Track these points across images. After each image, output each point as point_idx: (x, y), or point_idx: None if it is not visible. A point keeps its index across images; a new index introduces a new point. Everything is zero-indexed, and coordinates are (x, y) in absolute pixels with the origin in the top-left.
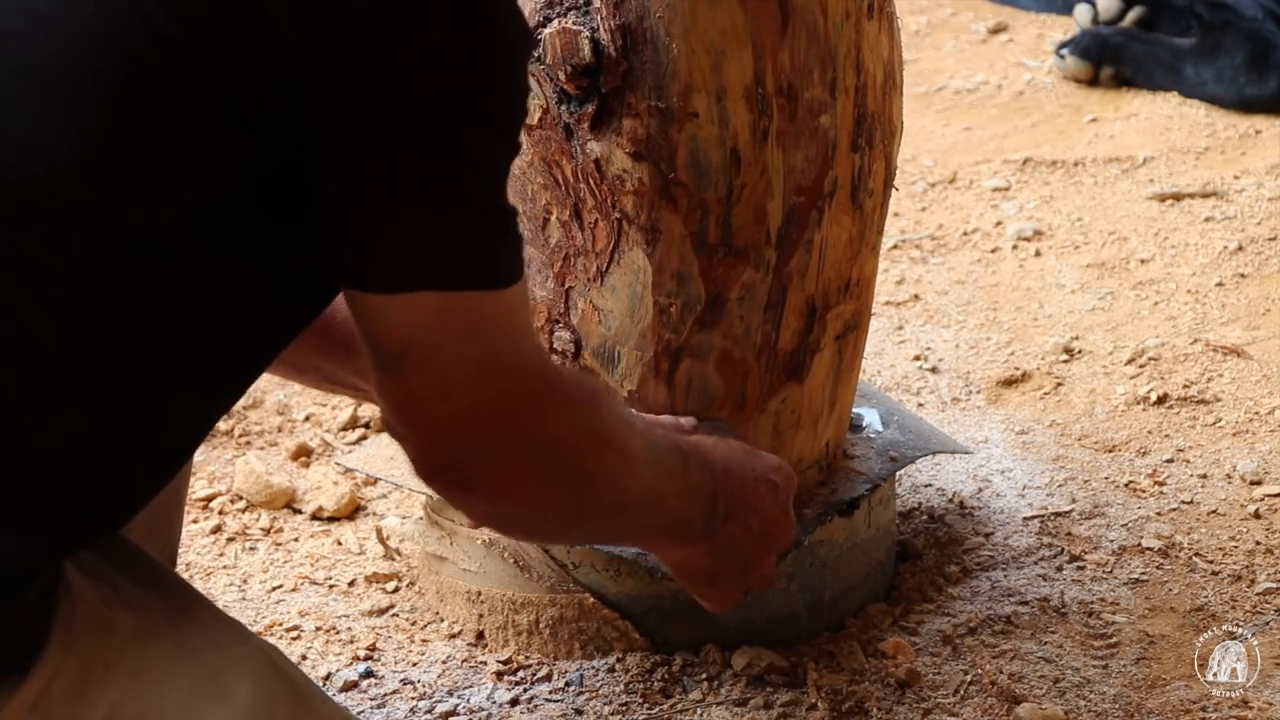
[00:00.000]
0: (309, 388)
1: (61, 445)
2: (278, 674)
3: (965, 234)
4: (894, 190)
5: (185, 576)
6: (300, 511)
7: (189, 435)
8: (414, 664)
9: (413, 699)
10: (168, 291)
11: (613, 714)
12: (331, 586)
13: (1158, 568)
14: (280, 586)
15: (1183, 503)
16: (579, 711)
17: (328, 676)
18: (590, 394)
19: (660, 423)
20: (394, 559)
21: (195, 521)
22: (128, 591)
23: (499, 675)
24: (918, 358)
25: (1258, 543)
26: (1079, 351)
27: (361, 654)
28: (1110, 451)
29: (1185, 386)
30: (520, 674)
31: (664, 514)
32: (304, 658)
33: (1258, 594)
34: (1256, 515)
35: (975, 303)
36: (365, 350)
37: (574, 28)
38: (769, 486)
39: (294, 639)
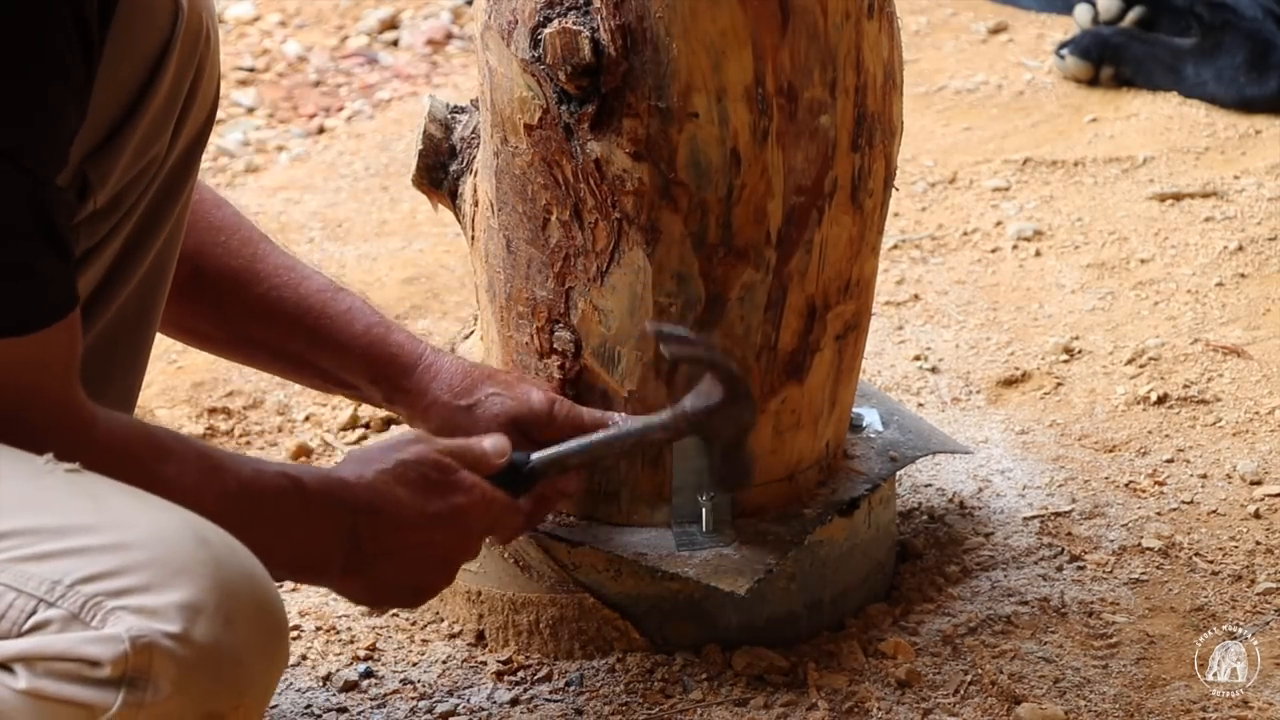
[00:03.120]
0: (308, 388)
1: None
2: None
3: (965, 234)
4: (894, 190)
5: None
6: None
7: None
8: (414, 664)
9: (413, 699)
10: None
11: (613, 714)
12: None
13: (1158, 568)
14: (280, 586)
15: (1183, 503)
16: (579, 711)
17: (328, 676)
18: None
19: (294, 471)
20: None
21: None
22: None
23: (499, 675)
24: (918, 358)
25: (1258, 543)
26: (1079, 351)
27: (361, 654)
28: (1110, 451)
29: (1185, 386)
30: (520, 674)
31: (279, 553)
32: (304, 658)
33: (1258, 594)
34: (1256, 515)
35: (975, 303)
36: None
37: (574, 28)
38: (437, 522)
39: (294, 639)
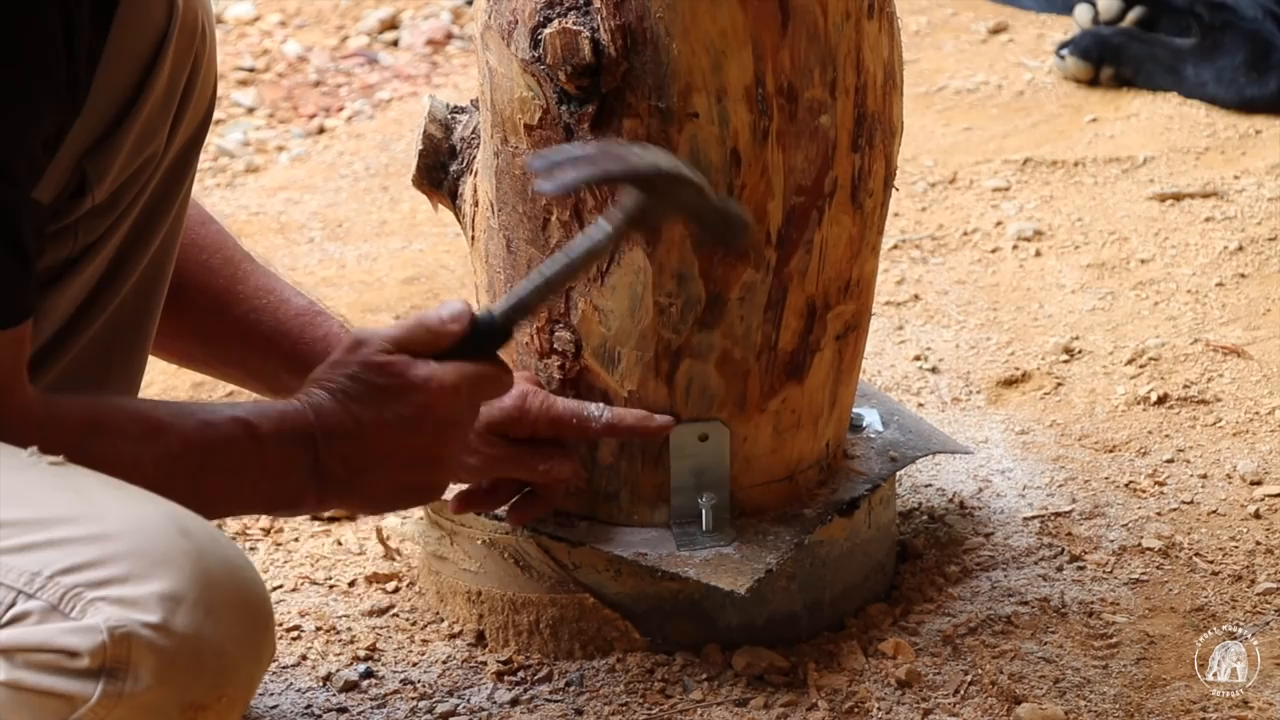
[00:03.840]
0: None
1: None
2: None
3: (965, 234)
4: (894, 190)
5: None
6: None
7: None
8: (414, 664)
9: (413, 699)
10: None
11: (613, 714)
12: (331, 586)
13: (1158, 568)
14: (280, 586)
15: (1183, 503)
16: (579, 711)
17: (328, 676)
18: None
19: (246, 414)
20: (394, 559)
21: None
22: None
23: (499, 675)
24: (918, 358)
25: (1258, 543)
26: (1079, 351)
27: (361, 654)
28: (1110, 451)
29: (1185, 386)
30: (520, 674)
31: (244, 498)
32: (304, 658)
33: (1258, 594)
34: (1256, 515)
35: (975, 303)
36: None
37: (574, 28)
38: (401, 428)
39: (294, 639)
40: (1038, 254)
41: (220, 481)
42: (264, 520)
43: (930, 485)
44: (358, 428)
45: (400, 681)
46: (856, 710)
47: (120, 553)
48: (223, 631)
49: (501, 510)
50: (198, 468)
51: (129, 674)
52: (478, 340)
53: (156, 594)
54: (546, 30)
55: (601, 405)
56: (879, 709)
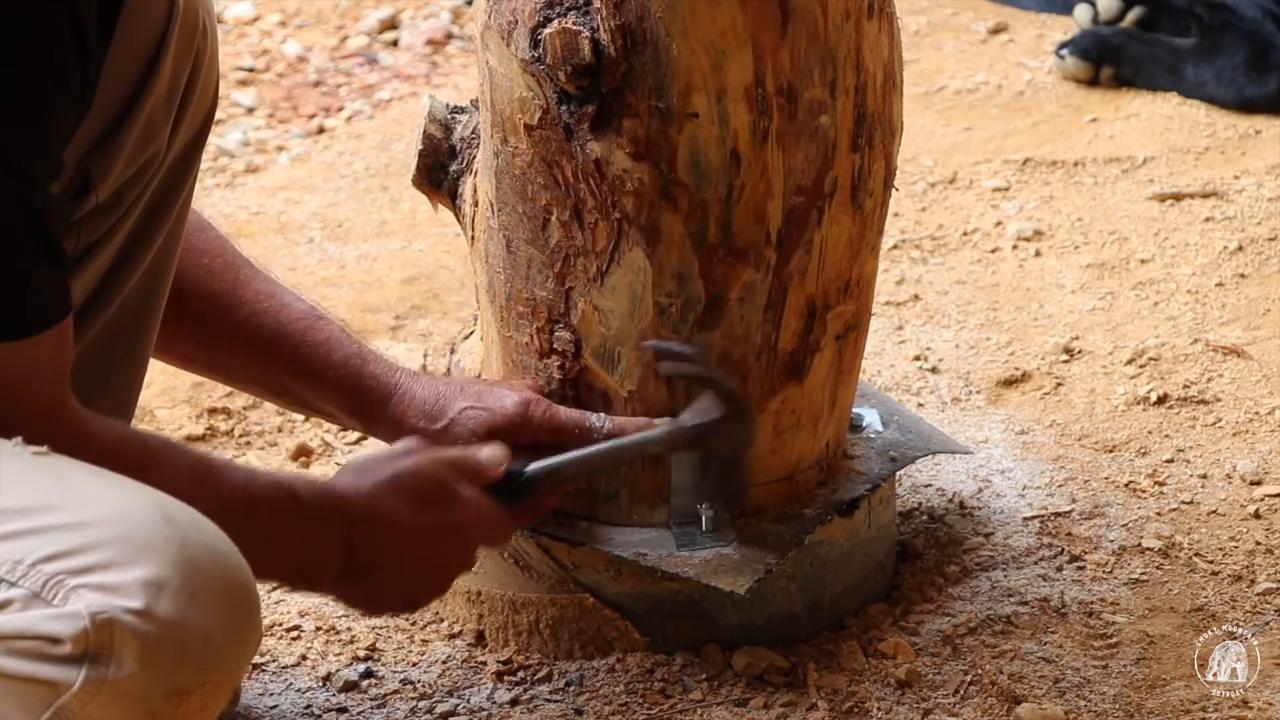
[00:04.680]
0: (286, 409)
1: None
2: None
3: (965, 234)
4: (894, 190)
5: None
6: None
7: None
8: (414, 664)
9: (413, 699)
10: None
11: (613, 714)
12: None
13: (1158, 568)
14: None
15: (1183, 503)
16: (579, 711)
17: (328, 676)
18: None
19: (288, 481)
20: None
21: None
22: None
23: (499, 675)
24: (918, 358)
25: (1258, 543)
26: (1079, 351)
27: (361, 654)
28: (1110, 451)
29: (1185, 386)
30: (520, 674)
31: (272, 561)
32: (304, 658)
33: (1258, 594)
34: (1256, 515)
35: (975, 303)
36: None
37: (574, 28)
38: (434, 535)
39: (294, 639)
40: (1038, 254)
41: (258, 539)
42: None
43: (930, 485)
44: (395, 522)
45: (400, 681)
46: (856, 710)
47: (103, 540)
48: (207, 618)
49: None
50: (240, 519)
51: (112, 660)
52: (506, 486)
53: (139, 580)
54: (546, 30)
55: (604, 416)
56: (879, 709)
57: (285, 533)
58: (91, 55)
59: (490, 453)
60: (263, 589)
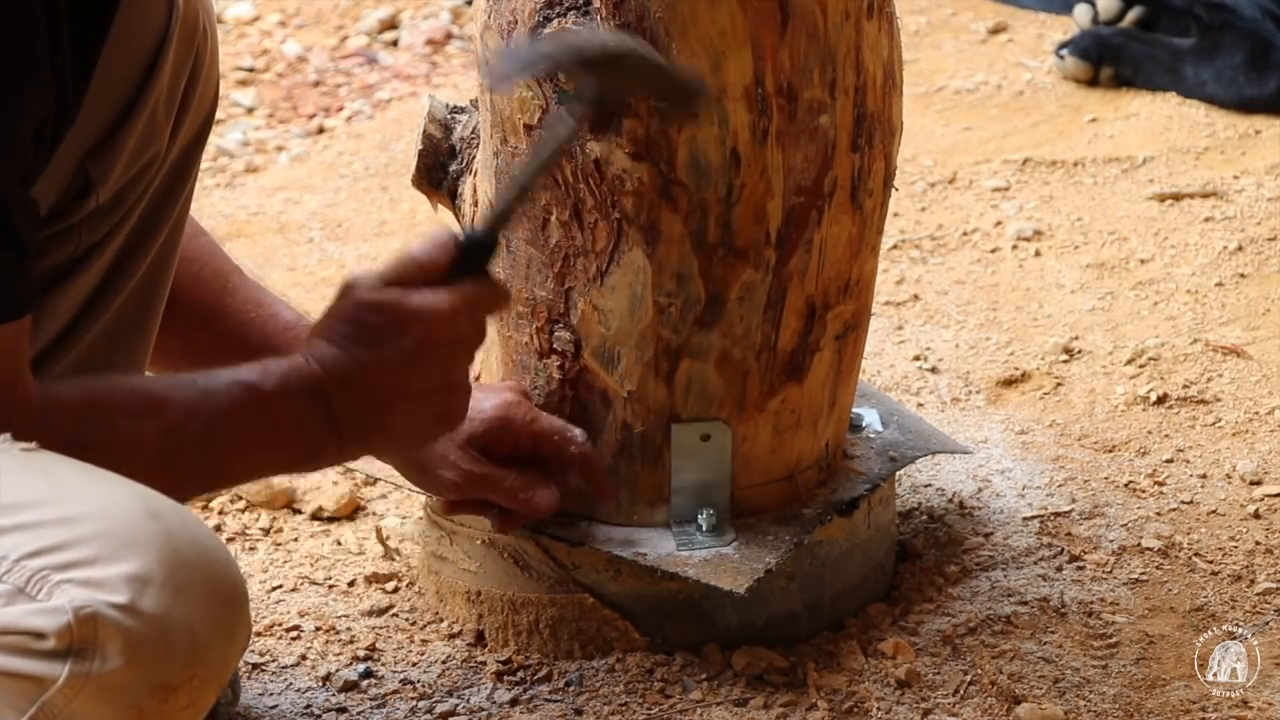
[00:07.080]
0: None
1: None
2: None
3: (965, 234)
4: (894, 190)
5: None
6: (300, 512)
7: None
8: (414, 664)
9: (413, 699)
10: None
11: (613, 714)
12: (331, 586)
13: (1157, 568)
14: (280, 586)
15: (1183, 503)
16: (579, 711)
17: (328, 676)
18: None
19: (248, 376)
20: (394, 559)
21: None
22: None
23: (499, 675)
24: (918, 358)
25: (1258, 543)
26: (1079, 351)
27: (361, 654)
28: (1110, 451)
29: (1185, 386)
30: (520, 674)
31: (260, 460)
32: (304, 658)
33: (1258, 594)
34: (1256, 515)
35: (975, 303)
36: None
37: (574, 28)
38: (406, 361)
39: (294, 639)
40: (1037, 254)
41: (230, 447)
42: (264, 520)
43: (930, 485)
44: (363, 370)
45: (400, 681)
46: (856, 710)
47: (88, 535)
48: (193, 612)
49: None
50: (203, 436)
51: (96, 654)
52: (467, 260)
53: (124, 575)
54: (546, 30)
55: (583, 433)
56: (879, 709)
57: (259, 431)
58: (66, 42)
59: (421, 246)
60: (263, 589)
